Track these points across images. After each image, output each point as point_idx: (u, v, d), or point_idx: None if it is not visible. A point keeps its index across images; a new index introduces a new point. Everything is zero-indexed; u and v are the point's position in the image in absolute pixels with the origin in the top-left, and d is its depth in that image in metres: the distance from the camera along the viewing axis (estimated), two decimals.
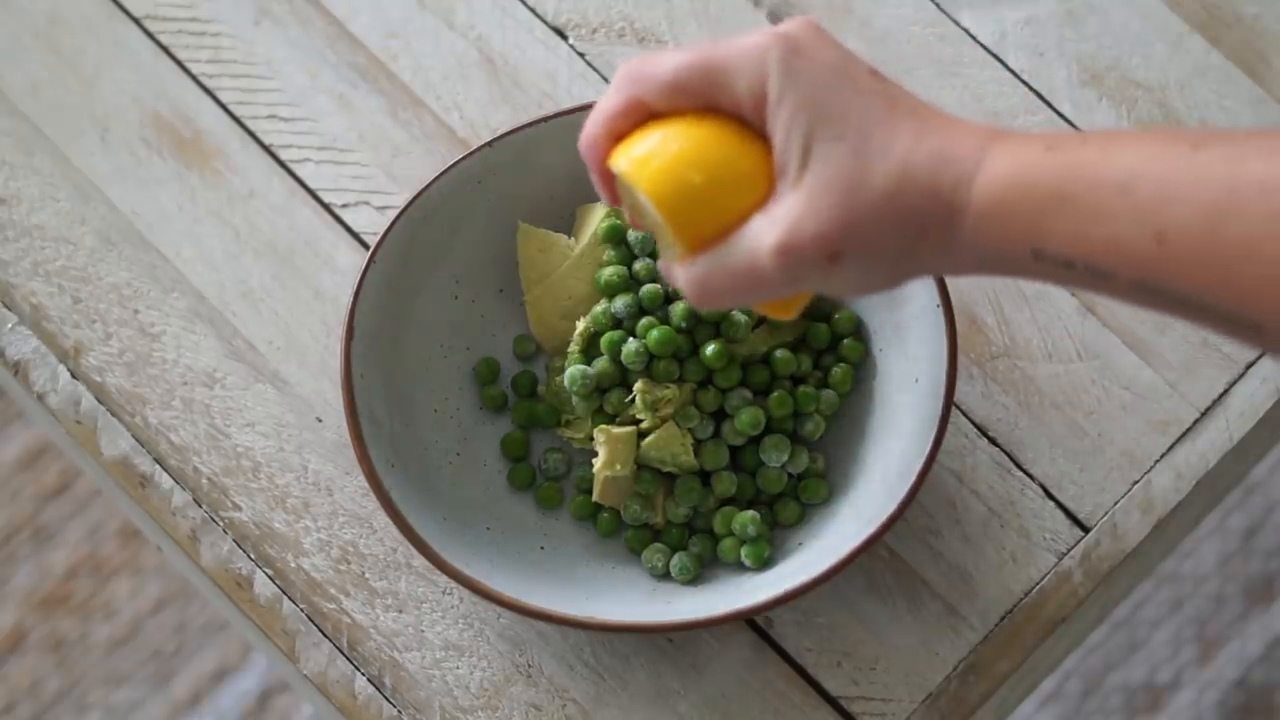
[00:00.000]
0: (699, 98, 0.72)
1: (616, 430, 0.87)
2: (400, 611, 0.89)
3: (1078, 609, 0.88)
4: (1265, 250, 0.62)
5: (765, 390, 0.88)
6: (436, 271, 0.90)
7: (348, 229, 0.95)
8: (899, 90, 0.71)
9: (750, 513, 0.87)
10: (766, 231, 0.70)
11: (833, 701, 0.87)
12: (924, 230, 0.68)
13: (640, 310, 0.88)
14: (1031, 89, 0.96)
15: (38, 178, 0.96)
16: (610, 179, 0.75)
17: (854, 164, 0.68)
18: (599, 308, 0.88)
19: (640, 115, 0.74)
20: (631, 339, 0.87)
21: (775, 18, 0.97)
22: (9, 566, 1.57)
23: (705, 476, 0.88)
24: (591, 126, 0.74)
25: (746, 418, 0.86)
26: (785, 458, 0.87)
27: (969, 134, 0.69)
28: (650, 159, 0.72)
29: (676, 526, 0.88)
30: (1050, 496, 0.90)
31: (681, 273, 0.73)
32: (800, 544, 0.87)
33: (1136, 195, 0.64)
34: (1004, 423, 0.91)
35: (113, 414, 0.92)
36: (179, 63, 0.97)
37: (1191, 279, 0.64)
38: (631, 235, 0.89)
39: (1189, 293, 0.64)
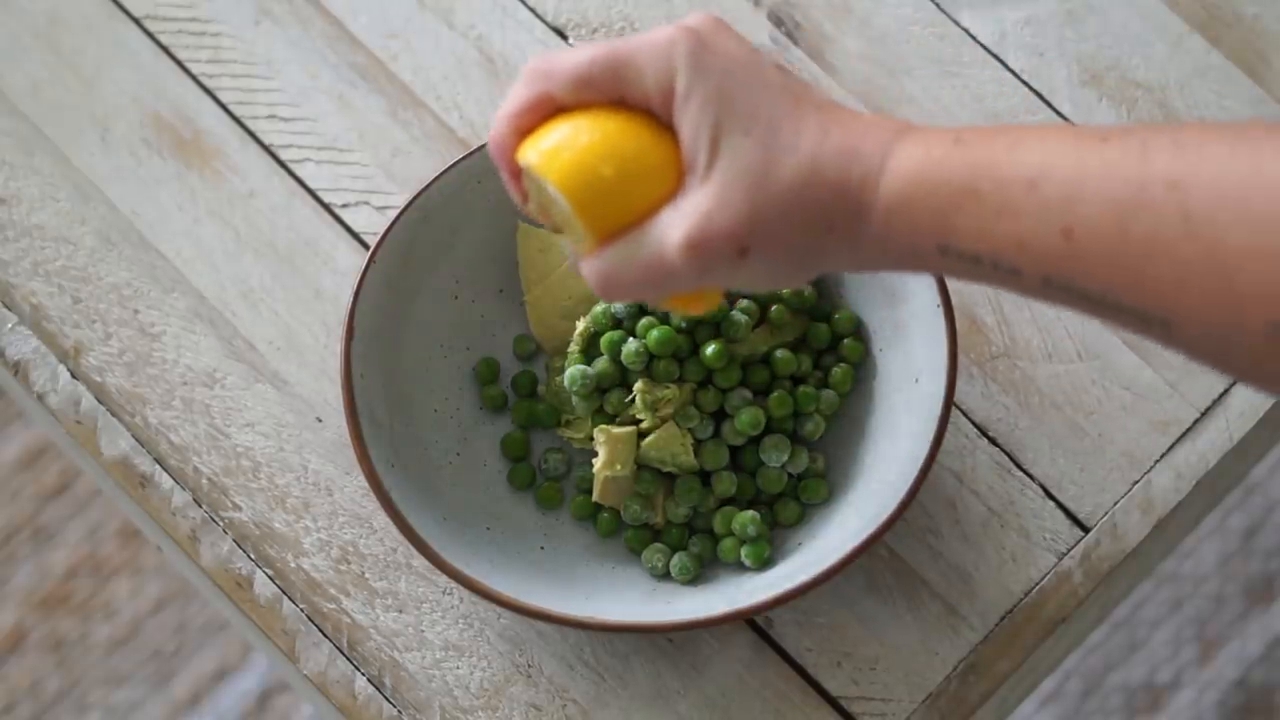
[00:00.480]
0: (607, 92, 0.72)
1: (616, 430, 0.87)
2: (400, 611, 0.89)
3: (1078, 609, 0.88)
4: (1173, 249, 0.61)
5: (765, 390, 0.88)
6: (436, 271, 0.90)
7: (348, 229, 0.95)
8: (804, 85, 0.71)
9: (750, 513, 0.87)
10: (676, 225, 0.69)
11: (833, 701, 0.87)
12: (831, 225, 0.68)
13: (640, 310, 0.88)
14: (1031, 89, 0.96)
15: (38, 178, 0.96)
16: (519, 175, 0.74)
17: (762, 158, 0.68)
18: (599, 308, 0.88)
19: (547, 111, 0.73)
20: (631, 339, 0.87)
21: (776, 18, 0.97)
22: (9, 566, 1.57)
23: (705, 476, 0.88)
24: (498, 125, 0.73)
25: (746, 418, 0.86)
26: (785, 458, 0.87)
27: (877, 128, 0.69)
28: (560, 151, 0.72)
29: (676, 526, 0.88)
30: (1050, 496, 0.90)
31: (589, 265, 0.72)
32: (800, 544, 0.87)
33: (1044, 191, 0.64)
34: (1004, 423, 0.91)
35: (113, 414, 0.92)
36: (179, 63, 0.97)
37: (1099, 276, 0.63)
38: None
39: (1097, 290, 0.64)
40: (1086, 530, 0.89)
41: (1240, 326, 0.61)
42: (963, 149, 0.66)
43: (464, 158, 0.88)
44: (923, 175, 0.67)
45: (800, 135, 0.68)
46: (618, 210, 0.71)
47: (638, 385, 0.87)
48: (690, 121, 0.70)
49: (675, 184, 0.71)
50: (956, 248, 0.66)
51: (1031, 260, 0.65)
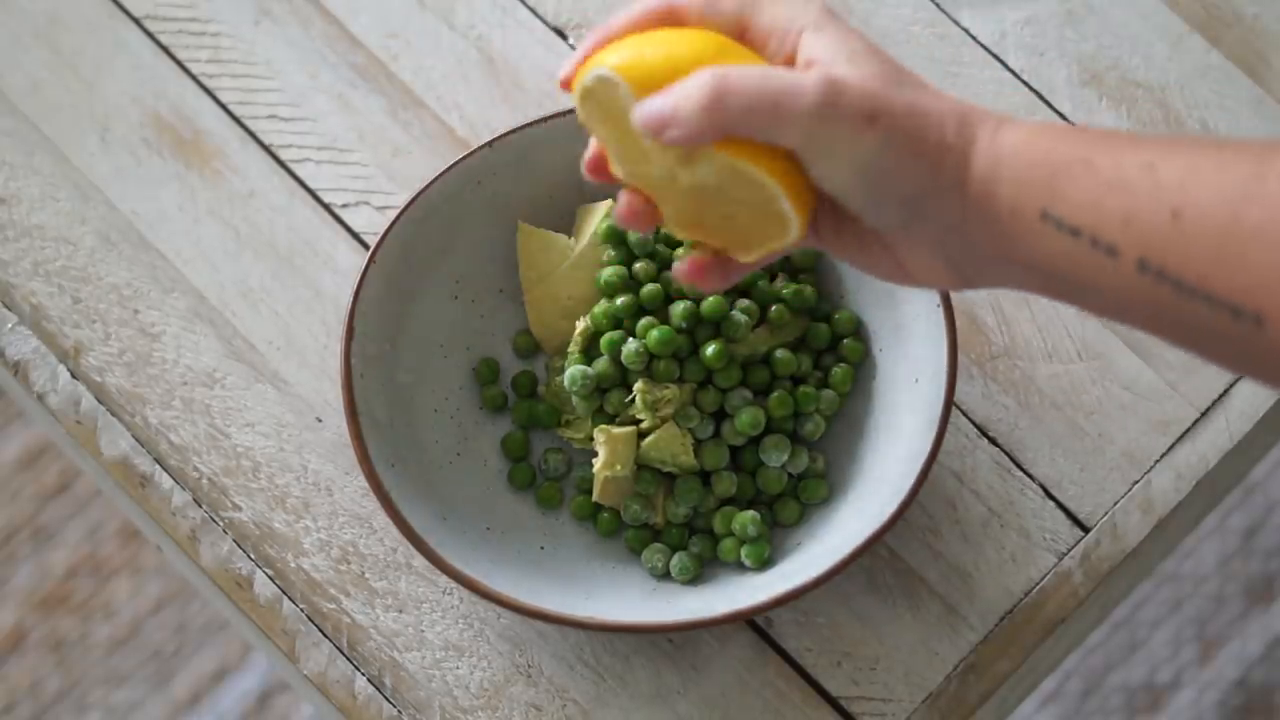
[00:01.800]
0: (731, 19, 0.73)
1: (616, 430, 0.87)
2: (400, 611, 0.89)
3: (1078, 609, 0.88)
4: None
5: (765, 390, 0.88)
6: (436, 271, 0.90)
7: (348, 229, 0.95)
8: None
9: (750, 513, 0.87)
10: (812, 66, 0.70)
11: (833, 701, 0.87)
12: (943, 143, 0.69)
13: (640, 310, 0.88)
14: (1031, 89, 0.96)
15: (38, 178, 0.96)
16: (592, 51, 0.73)
17: (893, 75, 0.70)
18: (599, 308, 0.88)
19: (669, 21, 0.73)
20: (631, 339, 0.87)
21: None
22: (9, 566, 1.57)
23: (705, 476, 0.88)
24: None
25: (746, 418, 0.86)
26: (785, 458, 0.87)
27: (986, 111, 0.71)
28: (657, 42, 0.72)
29: (676, 526, 0.88)
30: (1050, 496, 0.90)
31: (699, 79, 0.69)
32: (800, 544, 0.87)
33: (1160, 173, 0.65)
34: (1004, 423, 0.91)
35: (113, 414, 0.92)
36: (179, 63, 0.97)
37: (1198, 263, 0.63)
38: (632, 236, 0.89)
39: (1192, 278, 0.64)
40: (1086, 530, 0.89)
41: None
42: (1079, 132, 0.68)
43: (464, 158, 0.88)
44: (1036, 138, 0.68)
45: (922, 88, 0.70)
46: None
47: (638, 385, 0.87)
48: (824, 43, 0.70)
49: None
50: (1058, 215, 0.67)
51: (1133, 239, 0.65)
